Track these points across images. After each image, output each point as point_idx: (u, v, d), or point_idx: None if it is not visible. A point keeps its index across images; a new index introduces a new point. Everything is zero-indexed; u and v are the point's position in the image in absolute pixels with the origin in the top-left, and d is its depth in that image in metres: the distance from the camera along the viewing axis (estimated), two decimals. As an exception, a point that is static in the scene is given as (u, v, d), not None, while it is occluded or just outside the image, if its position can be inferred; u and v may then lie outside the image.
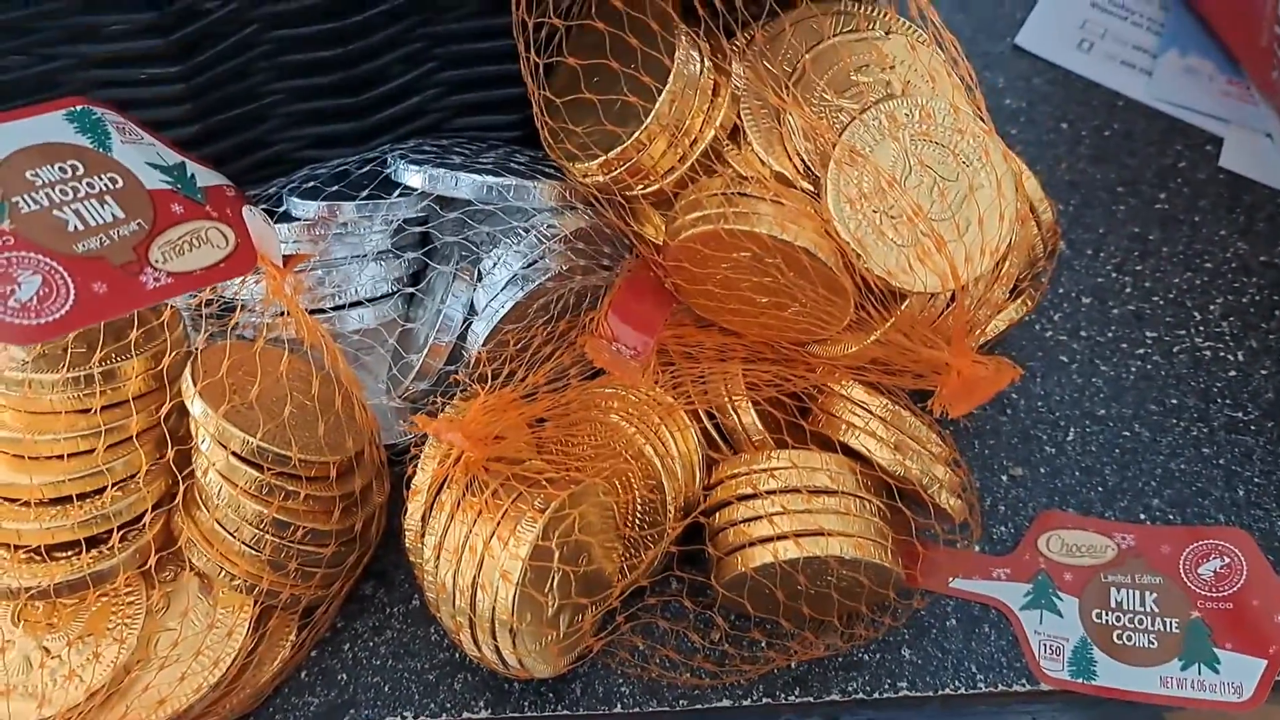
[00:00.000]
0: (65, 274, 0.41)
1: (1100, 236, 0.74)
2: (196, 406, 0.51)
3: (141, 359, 0.52)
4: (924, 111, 0.52)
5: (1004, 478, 0.64)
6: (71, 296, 0.41)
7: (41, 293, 0.40)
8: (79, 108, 0.46)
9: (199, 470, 0.51)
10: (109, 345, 0.51)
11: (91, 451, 0.50)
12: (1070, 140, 0.80)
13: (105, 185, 0.43)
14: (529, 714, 0.56)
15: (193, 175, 0.47)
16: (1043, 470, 0.64)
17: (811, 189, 0.52)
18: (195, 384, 0.51)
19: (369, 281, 0.59)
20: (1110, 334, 0.70)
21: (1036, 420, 0.66)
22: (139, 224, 0.44)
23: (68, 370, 0.50)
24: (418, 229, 0.60)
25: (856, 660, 0.57)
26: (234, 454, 0.51)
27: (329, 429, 0.53)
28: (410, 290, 0.60)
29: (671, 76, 0.52)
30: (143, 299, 0.43)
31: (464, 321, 0.57)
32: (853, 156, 0.51)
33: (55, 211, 0.42)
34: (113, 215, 0.44)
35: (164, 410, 0.51)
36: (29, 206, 0.41)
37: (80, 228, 0.42)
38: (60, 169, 0.43)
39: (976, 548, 0.61)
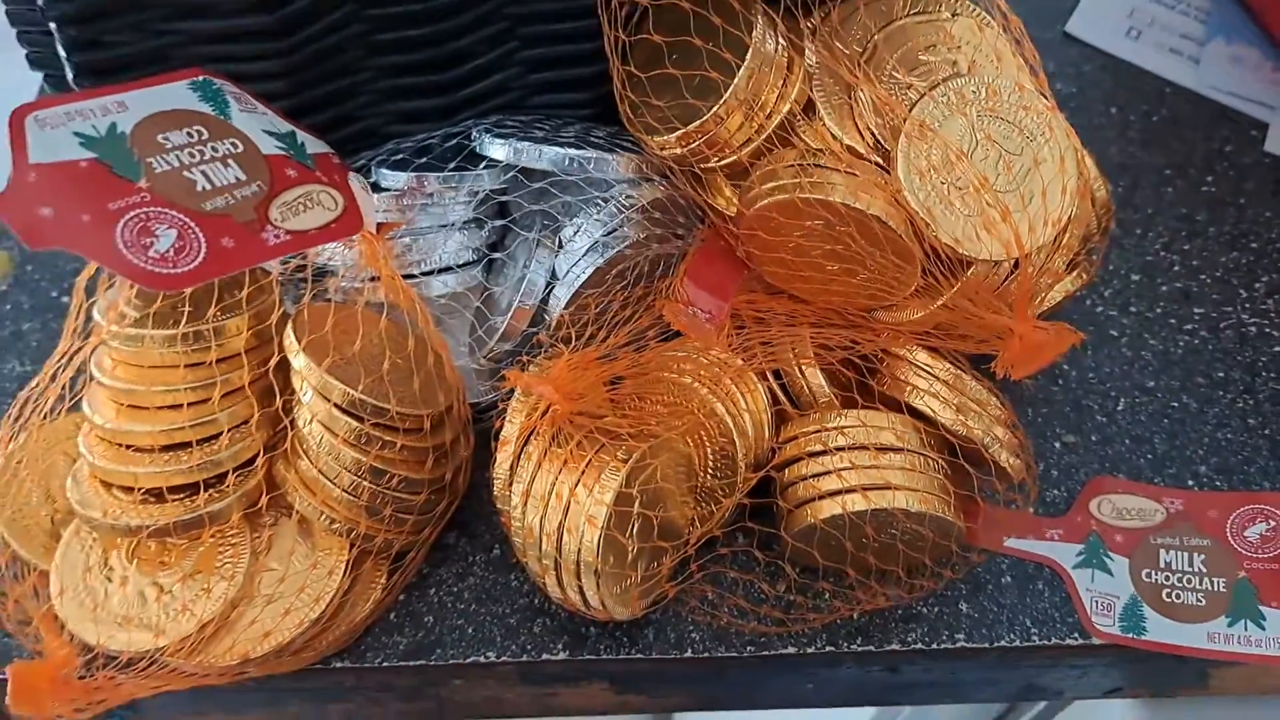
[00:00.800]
0: (197, 229, 0.44)
1: (1149, 217, 0.77)
2: (300, 360, 0.54)
3: (247, 316, 0.55)
4: (990, 89, 0.54)
5: (1057, 444, 0.67)
6: (203, 249, 0.44)
7: (177, 245, 0.43)
8: (201, 78, 0.49)
9: (301, 421, 0.55)
10: (216, 304, 0.54)
11: (204, 402, 0.54)
12: (1120, 125, 0.82)
13: (228, 149, 0.47)
14: (604, 656, 0.59)
15: (303, 143, 0.51)
16: (1094, 438, 0.67)
17: (881, 162, 0.55)
18: (299, 339, 0.54)
19: (453, 249, 0.62)
20: (1159, 310, 0.72)
21: (1088, 391, 0.69)
22: (259, 186, 0.48)
23: (180, 327, 0.53)
24: (498, 199, 0.63)
25: (916, 613, 0.60)
26: (335, 405, 0.54)
27: (423, 384, 0.56)
28: (492, 257, 0.63)
29: (749, 53, 0.55)
30: (266, 254, 0.47)
31: (546, 286, 0.60)
32: (922, 130, 0.53)
33: (185, 172, 0.46)
34: (235, 177, 0.47)
35: (271, 364, 0.54)
36: (161, 167, 0.45)
37: (207, 187, 0.46)
38: (187, 133, 0.46)
39: (1031, 509, 0.63)
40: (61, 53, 0.59)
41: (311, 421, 0.54)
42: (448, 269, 0.63)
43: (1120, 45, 0.88)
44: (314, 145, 0.51)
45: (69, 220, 0.41)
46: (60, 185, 0.41)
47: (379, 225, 0.59)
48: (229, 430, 0.53)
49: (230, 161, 0.48)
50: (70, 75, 0.60)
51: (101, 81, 0.59)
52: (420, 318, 0.57)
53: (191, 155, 0.46)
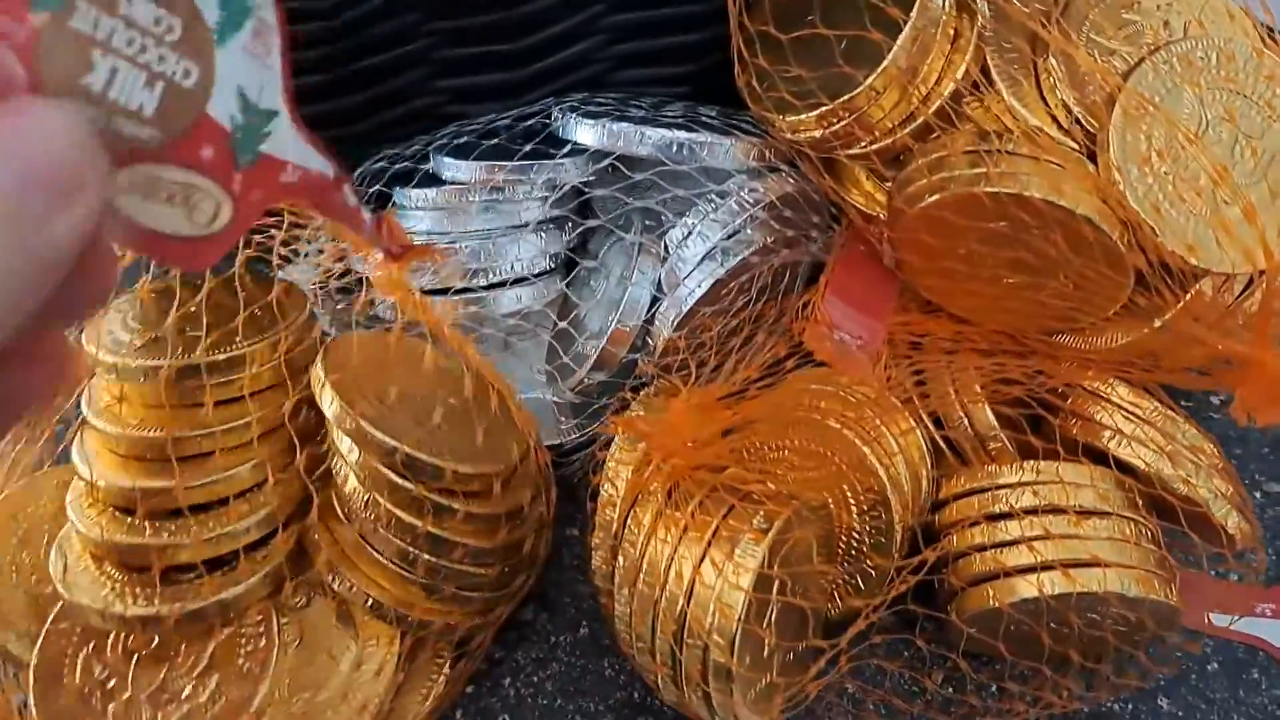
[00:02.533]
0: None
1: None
2: (331, 404, 0.42)
3: (268, 345, 0.44)
4: (1224, 54, 0.43)
5: (1257, 494, 0.55)
6: None
7: None
8: None
9: (338, 477, 0.43)
10: (223, 328, 0.43)
11: (210, 455, 0.42)
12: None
13: (173, 72, 0.30)
14: (726, 768, 0.47)
15: (268, 134, 0.34)
16: (1303, 486, 0.55)
17: (1079, 146, 0.43)
18: (327, 377, 0.43)
19: (528, 256, 0.50)
20: (1366, 327, 0.60)
21: (1290, 427, 0.57)
22: (150, 136, 0.30)
23: (181, 357, 0.42)
24: (579, 194, 0.52)
25: (1106, 710, 0.48)
26: (379, 461, 0.42)
27: (487, 434, 0.44)
28: (578, 265, 0.51)
29: (916, 9, 0.43)
30: None
31: (650, 303, 0.48)
32: (1142, 106, 0.42)
33: (96, 50, 0.29)
34: (140, 105, 0.30)
35: (287, 407, 0.43)
36: (82, 23, 0.28)
37: (95, 89, 0.29)
38: (156, 19, 0.30)
39: (1234, 576, 0.52)
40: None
41: (349, 479, 0.43)
42: (521, 280, 0.51)
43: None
44: (281, 145, 0.35)
45: None
46: None
47: (406, 250, 0.47)
48: (238, 494, 0.42)
49: (158, 85, 0.30)
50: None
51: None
52: (469, 354, 0.45)
53: (129, 42, 0.29)
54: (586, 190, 0.50)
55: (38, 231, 0.22)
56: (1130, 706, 0.49)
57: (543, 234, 0.50)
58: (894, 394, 0.48)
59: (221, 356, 0.43)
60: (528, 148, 0.49)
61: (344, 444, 0.43)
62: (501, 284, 0.51)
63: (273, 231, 0.49)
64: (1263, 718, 0.49)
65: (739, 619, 0.40)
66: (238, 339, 0.43)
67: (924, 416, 0.49)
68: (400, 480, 0.43)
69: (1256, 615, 0.52)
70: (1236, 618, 0.51)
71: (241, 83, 0.30)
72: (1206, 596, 0.51)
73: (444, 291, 0.50)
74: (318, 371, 0.44)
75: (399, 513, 0.43)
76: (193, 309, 0.44)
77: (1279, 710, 0.49)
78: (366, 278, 0.50)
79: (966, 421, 0.48)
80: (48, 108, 0.24)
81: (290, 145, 0.32)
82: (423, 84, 0.54)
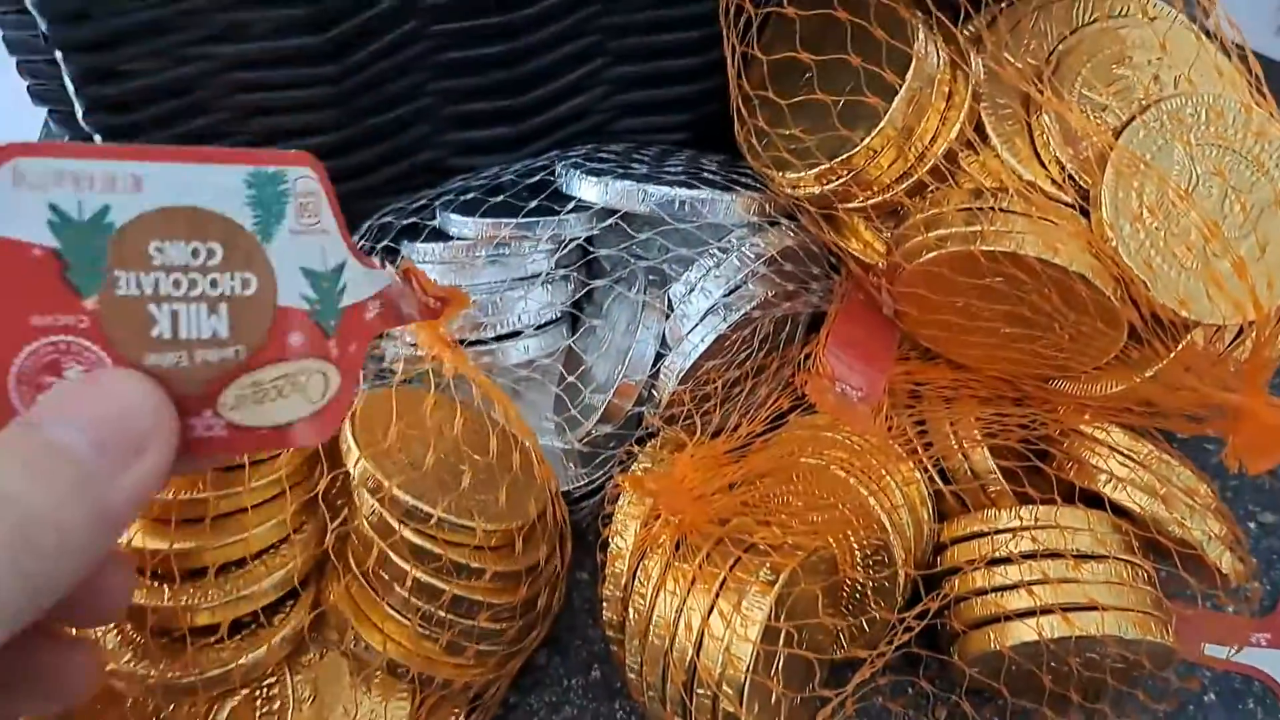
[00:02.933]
0: None
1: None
2: (360, 469, 0.43)
3: None
4: (1212, 110, 0.44)
5: (1252, 525, 0.56)
6: None
7: None
8: (273, 169, 0.34)
9: (359, 540, 0.44)
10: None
11: (231, 515, 0.43)
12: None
13: (231, 288, 0.31)
14: (735, 809, 0.48)
15: (344, 287, 0.35)
16: (1296, 516, 0.56)
17: (1070, 202, 0.45)
18: (359, 445, 0.44)
19: (534, 308, 0.51)
20: (1356, 358, 0.61)
21: (1283, 458, 0.58)
22: (236, 351, 0.32)
23: None
24: (581, 247, 0.53)
25: (1106, 744, 0.50)
26: (406, 525, 0.43)
27: (510, 490, 0.45)
28: (583, 319, 0.52)
29: (911, 70, 0.44)
30: None
31: (655, 357, 0.49)
32: (1134, 164, 0.43)
33: (151, 305, 0.30)
34: (213, 331, 0.31)
35: (321, 482, 0.44)
36: (126, 289, 0.30)
37: (166, 335, 0.30)
38: (194, 250, 0.31)
39: (1230, 609, 0.53)
40: (69, 85, 0.49)
41: (375, 542, 0.44)
42: (527, 331, 0.52)
43: (1270, 44, 0.77)
44: (357, 287, 0.36)
45: None
46: None
47: (443, 300, 0.48)
48: (262, 553, 0.43)
49: (222, 307, 0.31)
50: (80, 112, 0.49)
51: (114, 119, 0.49)
52: (501, 406, 0.47)
53: (176, 284, 0.30)
54: (591, 247, 0.51)
55: (104, 488, 0.24)
56: (1130, 740, 0.50)
57: (549, 287, 0.51)
58: (896, 442, 0.50)
59: None
60: (533, 204, 0.50)
61: (367, 505, 0.44)
62: (509, 336, 0.52)
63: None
64: (1260, 749, 0.50)
65: (747, 669, 0.41)
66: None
67: (925, 462, 0.50)
68: (426, 542, 0.44)
69: (1252, 645, 0.53)
70: (1235, 650, 0.52)
71: (303, 263, 0.31)
72: (1203, 630, 0.52)
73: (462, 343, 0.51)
74: (346, 434, 0.45)
75: (425, 576, 0.44)
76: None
77: (1275, 741, 0.50)
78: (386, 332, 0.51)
79: (967, 466, 0.49)
80: (117, 373, 0.26)
81: (363, 283, 0.33)
82: (428, 139, 0.55)
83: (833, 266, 0.51)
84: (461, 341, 0.51)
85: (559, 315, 0.53)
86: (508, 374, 0.53)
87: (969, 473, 0.49)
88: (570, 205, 0.50)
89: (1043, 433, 0.48)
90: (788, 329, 0.52)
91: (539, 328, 0.52)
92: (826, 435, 0.49)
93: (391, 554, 0.43)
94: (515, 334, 0.52)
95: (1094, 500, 0.48)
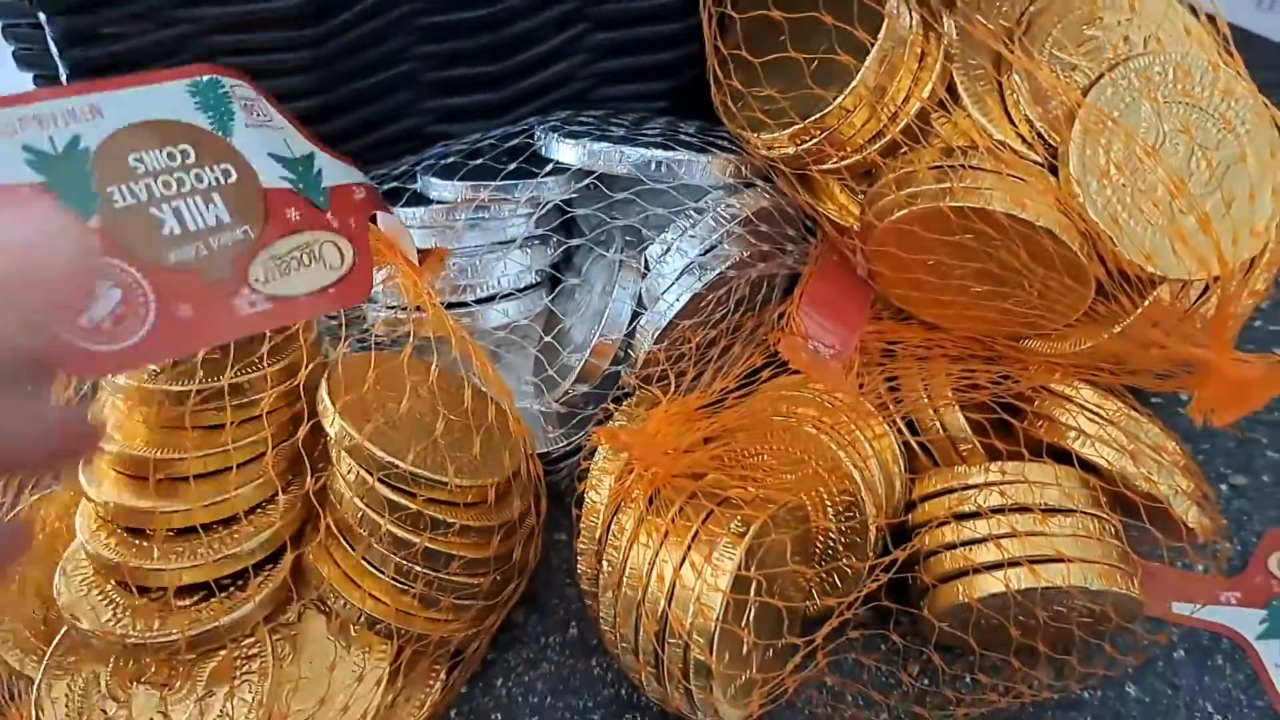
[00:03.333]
0: (148, 289, 0.32)
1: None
2: (336, 426, 0.44)
3: (273, 372, 0.45)
4: (1180, 69, 0.44)
5: (1224, 487, 0.57)
6: (151, 319, 0.32)
7: (117, 311, 0.32)
8: (207, 78, 0.37)
9: (336, 498, 0.45)
10: (244, 355, 0.44)
11: (219, 473, 0.44)
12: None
13: (215, 179, 0.33)
14: (709, 761, 0.49)
15: (319, 171, 0.38)
16: (1266, 478, 0.57)
17: (1041, 160, 0.45)
18: (334, 401, 0.44)
19: (513, 271, 0.52)
20: (1329, 323, 0.62)
21: (1255, 421, 0.59)
22: (245, 231, 0.34)
23: (201, 381, 0.44)
24: (562, 211, 0.54)
25: (1076, 699, 0.50)
26: (380, 479, 0.44)
27: (484, 446, 0.46)
28: (561, 281, 0.53)
29: (883, 30, 0.45)
30: (234, 329, 0.35)
31: (631, 316, 0.50)
32: (1101, 121, 0.43)
33: (152, 209, 0.32)
34: (216, 218, 0.33)
35: (302, 431, 0.44)
36: (124, 200, 0.32)
37: (177, 231, 0.32)
38: (169, 154, 0.33)
39: (1200, 567, 0.53)
40: (53, 49, 0.49)
41: (350, 498, 0.44)
42: (507, 295, 0.53)
43: (1250, 17, 0.77)
44: (334, 173, 0.39)
45: None
46: None
47: (424, 253, 0.49)
48: (248, 511, 0.43)
49: (215, 196, 0.33)
50: (64, 75, 0.50)
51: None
52: (478, 363, 0.47)
53: (166, 185, 0.32)
54: (569, 208, 0.52)
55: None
56: (1100, 694, 0.50)
57: (528, 250, 0.52)
58: (868, 400, 0.50)
59: (242, 379, 0.44)
60: (511, 167, 0.51)
61: (345, 463, 0.45)
62: (489, 299, 0.53)
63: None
64: (1227, 701, 0.50)
65: (717, 618, 0.42)
66: (256, 361, 0.45)
67: (898, 420, 0.51)
68: (400, 497, 0.44)
69: (1221, 604, 0.53)
70: (1199, 606, 0.53)
71: (270, 150, 0.33)
72: (1173, 587, 0.53)
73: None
74: (323, 394, 0.45)
75: (397, 530, 0.44)
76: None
77: (1242, 694, 0.50)
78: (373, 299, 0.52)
79: (938, 424, 0.50)
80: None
81: (338, 171, 0.36)
82: (410, 105, 0.56)
83: (808, 229, 0.52)
84: (445, 305, 0.52)
85: (538, 279, 0.53)
86: (487, 337, 0.53)
87: (941, 430, 0.50)
88: (548, 168, 0.51)
89: (1014, 390, 0.49)
90: (764, 290, 0.52)
91: (519, 291, 0.53)
92: (799, 394, 0.49)
93: (365, 508, 0.44)
94: (495, 297, 0.53)
95: (1064, 458, 0.48)
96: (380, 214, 0.43)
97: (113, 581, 0.43)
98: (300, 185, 0.36)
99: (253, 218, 0.34)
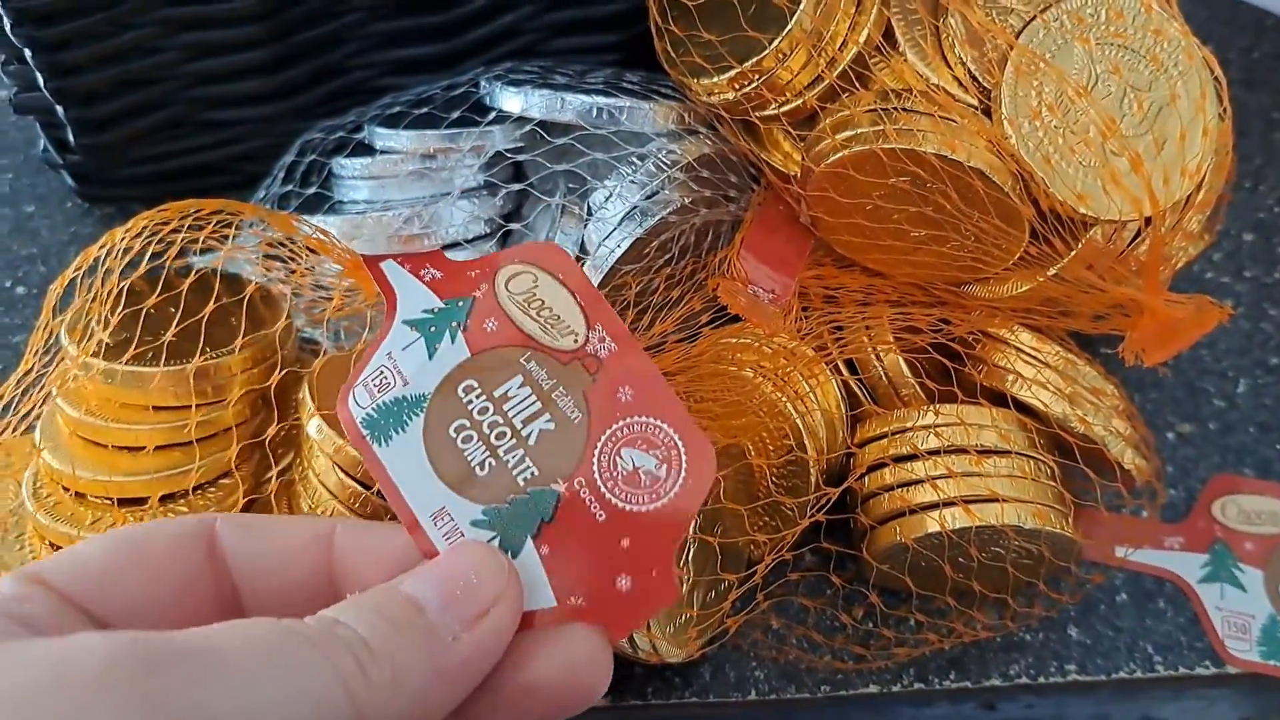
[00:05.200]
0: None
1: (1258, 168, 0.67)
2: (318, 429, 0.43)
3: (245, 354, 0.44)
4: (1112, 10, 0.45)
5: (1170, 436, 0.57)
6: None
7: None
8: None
9: (308, 494, 0.44)
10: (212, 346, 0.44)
11: (177, 447, 0.43)
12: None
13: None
14: (653, 702, 0.49)
15: None
16: (1213, 426, 0.57)
17: (976, 103, 0.46)
18: (315, 404, 0.43)
19: (461, 221, 0.52)
20: (1277, 274, 0.63)
21: (1202, 371, 0.59)
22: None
23: (167, 364, 0.43)
24: (511, 161, 0.54)
25: (1018, 641, 0.51)
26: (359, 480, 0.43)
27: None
28: (508, 229, 0.53)
29: (818, -26, 0.45)
30: None
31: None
32: (1033, 63, 0.44)
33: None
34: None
35: (270, 430, 0.44)
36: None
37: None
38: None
39: (1144, 513, 0.54)
40: None
41: (327, 499, 0.44)
42: (455, 245, 0.53)
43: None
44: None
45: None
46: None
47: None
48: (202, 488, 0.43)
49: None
50: (8, 24, 0.50)
51: (41, 31, 0.49)
52: None
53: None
54: (510, 156, 0.52)
55: (443, 641, 0.27)
56: (1041, 636, 0.51)
57: (475, 200, 0.52)
58: (811, 344, 0.50)
59: (210, 362, 0.44)
60: (455, 115, 0.51)
61: (319, 463, 0.44)
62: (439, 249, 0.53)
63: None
64: (1167, 643, 0.51)
65: (651, 558, 0.42)
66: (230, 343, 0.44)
67: (841, 366, 0.51)
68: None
69: (1165, 549, 0.54)
70: (1131, 550, 0.53)
71: None
72: (1117, 532, 0.53)
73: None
74: (306, 397, 0.45)
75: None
76: (171, 310, 0.44)
77: (1183, 636, 0.51)
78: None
79: (881, 369, 0.50)
80: (471, 542, 0.30)
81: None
82: (358, 57, 0.56)
83: (753, 176, 0.52)
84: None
85: (488, 229, 0.53)
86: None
87: (883, 376, 0.50)
88: (491, 116, 0.51)
89: (953, 334, 0.49)
90: (710, 238, 0.52)
91: (467, 240, 0.53)
92: (741, 341, 0.50)
93: (340, 504, 0.43)
94: (444, 247, 0.53)
95: (1005, 402, 0.49)
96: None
97: (49, 542, 0.43)
98: None
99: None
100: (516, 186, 0.51)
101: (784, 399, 0.48)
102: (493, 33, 0.56)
